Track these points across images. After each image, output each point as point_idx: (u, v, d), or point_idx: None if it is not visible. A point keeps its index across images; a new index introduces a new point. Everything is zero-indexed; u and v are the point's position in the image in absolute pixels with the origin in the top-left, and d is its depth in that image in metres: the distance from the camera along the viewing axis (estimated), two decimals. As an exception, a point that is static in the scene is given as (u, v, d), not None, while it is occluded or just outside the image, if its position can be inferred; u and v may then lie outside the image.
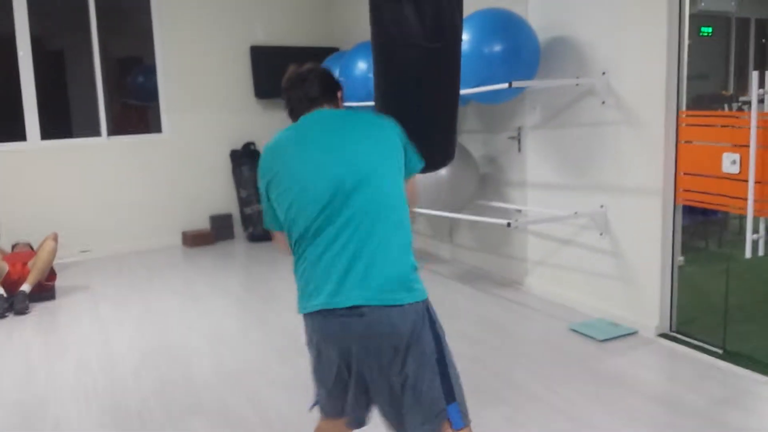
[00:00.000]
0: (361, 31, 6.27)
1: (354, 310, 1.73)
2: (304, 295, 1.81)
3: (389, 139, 1.86)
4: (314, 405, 2.01)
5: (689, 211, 3.74)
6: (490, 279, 4.94)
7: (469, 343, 3.69)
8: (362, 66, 5.27)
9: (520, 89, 4.11)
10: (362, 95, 5.33)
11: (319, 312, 1.77)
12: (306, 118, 1.92)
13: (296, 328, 3.99)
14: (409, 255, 1.82)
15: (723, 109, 4.35)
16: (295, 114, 1.97)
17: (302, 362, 3.49)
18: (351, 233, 1.75)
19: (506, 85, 3.64)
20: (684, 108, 3.51)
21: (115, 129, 6.42)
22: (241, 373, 3.45)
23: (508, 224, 3.77)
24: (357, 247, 1.74)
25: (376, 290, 1.73)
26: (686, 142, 3.50)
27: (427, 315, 1.81)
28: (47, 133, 5.94)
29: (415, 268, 1.82)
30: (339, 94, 2.01)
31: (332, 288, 1.74)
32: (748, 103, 3.12)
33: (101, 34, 6.06)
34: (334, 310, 1.75)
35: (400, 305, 1.74)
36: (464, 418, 1.81)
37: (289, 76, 1.99)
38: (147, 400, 3.16)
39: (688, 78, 3.53)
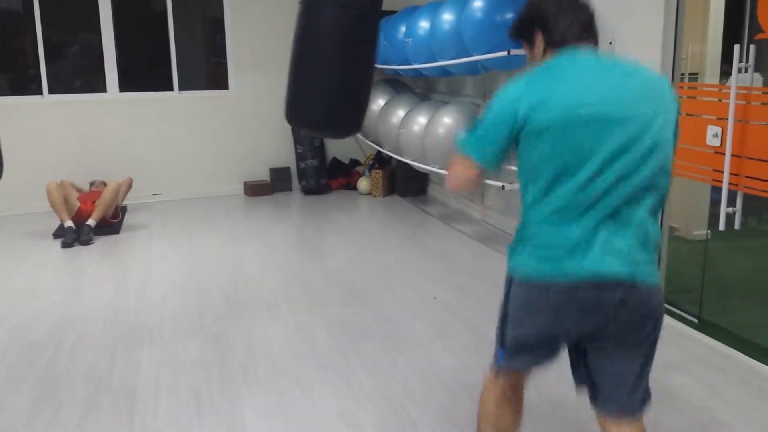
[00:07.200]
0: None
1: None
2: None
3: None
4: None
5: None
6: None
7: (466, 297, 3.95)
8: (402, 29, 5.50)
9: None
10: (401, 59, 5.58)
11: None
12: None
13: (307, 275, 4.40)
14: None
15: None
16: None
17: (303, 304, 3.90)
18: None
19: (505, 53, 3.77)
20: (686, 80, 3.53)
21: (208, 84, 7.10)
22: (247, 307, 3.88)
23: (503, 187, 3.95)
24: None
25: None
26: (685, 114, 3.53)
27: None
28: (132, 86, 6.57)
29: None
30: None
31: None
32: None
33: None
34: None
35: None
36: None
37: None
38: (161, 322, 3.66)
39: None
